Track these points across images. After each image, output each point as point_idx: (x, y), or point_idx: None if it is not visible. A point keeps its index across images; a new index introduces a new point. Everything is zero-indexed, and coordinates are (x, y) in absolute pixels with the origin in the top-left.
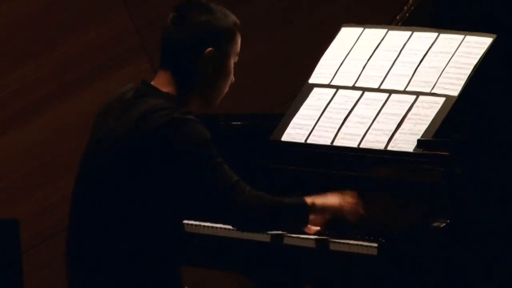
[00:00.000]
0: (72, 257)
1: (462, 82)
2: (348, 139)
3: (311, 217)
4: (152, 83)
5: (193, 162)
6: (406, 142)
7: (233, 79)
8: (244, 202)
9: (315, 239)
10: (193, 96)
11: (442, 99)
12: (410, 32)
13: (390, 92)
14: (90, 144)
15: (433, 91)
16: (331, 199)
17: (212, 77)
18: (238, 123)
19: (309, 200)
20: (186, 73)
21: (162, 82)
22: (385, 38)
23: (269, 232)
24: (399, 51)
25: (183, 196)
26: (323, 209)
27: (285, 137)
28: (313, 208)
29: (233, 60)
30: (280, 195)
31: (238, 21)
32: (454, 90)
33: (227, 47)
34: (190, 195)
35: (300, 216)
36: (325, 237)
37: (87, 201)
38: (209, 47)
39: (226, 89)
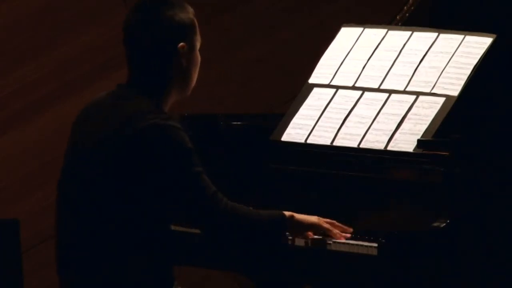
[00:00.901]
0: (62, 261)
1: (462, 82)
2: (348, 139)
3: (291, 231)
4: (127, 85)
5: (172, 170)
6: (406, 142)
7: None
8: (219, 214)
9: (315, 239)
10: (172, 93)
11: (442, 99)
12: (410, 32)
13: (390, 92)
14: (70, 149)
15: (433, 91)
16: (310, 217)
17: (187, 70)
18: (238, 123)
19: (287, 214)
20: (163, 73)
21: (136, 84)
22: (385, 38)
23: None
24: (399, 51)
25: (163, 199)
26: (301, 224)
27: (285, 137)
28: (291, 222)
29: (198, 47)
30: (275, 197)
31: (192, 9)
32: (454, 90)
33: (193, 37)
34: (169, 200)
35: (276, 230)
36: (325, 237)
37: (72, 205)
38: (179, 43)
39: (196, 76)
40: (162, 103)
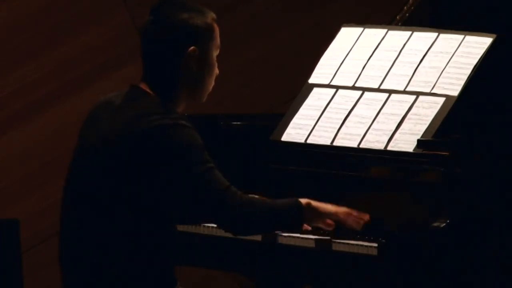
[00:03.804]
0: (65, 260)
1: (462, 82)
2: (348, 139)
3: (307, 219)
4: (140, 86)
5: (184, 167)
6: (406, 142)
7: (217, 71)
8: (236, 207)
9: (316, 239)
10: (182, 96)
11: (442, 99)
12: (410, 32)
13: (390, 92)
14: (79, 149)
15: (433, 91)
16: (327, 204)
17: (198, 75)
18: (238, 123)
19: (304, 201)
20: (171, 75)
21: (149, 86)
22: (385, 38)
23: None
24: (399, 51)
25: (174, 199)
26: (317, 212)
27: (285, 137)
28: (308, 209)
29: (215, 54)
30: (275, 197)
31: (214, 15)
32: (454, 90)
33: (208, 42)
34: (182, 199)
35: (294, 217)
36: (325, 237)
37: (78, 204)
38: (190, 46)
39: (212, 83)
40: (173, 105)
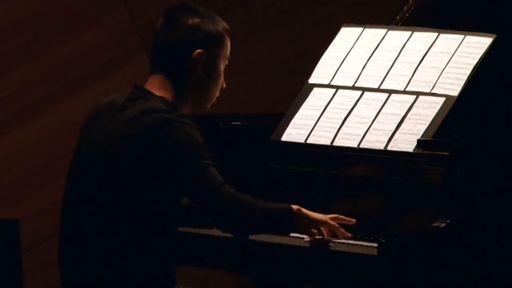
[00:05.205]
0: (65, 260)
1: (462, 82)
2: (348, 139)
3: (297, 225)
4: (144, 87)
5: (180, 163)
6: (406, 142)
7: (224, 85)
8: (228, 204)
9: (315, 239)
10: (185, 99)
11: (442, 99)
12: (410, 32)
13: (390, 92)
14: (81, 149)
15: (433, 91)
16: (317, 213)
17: (202, 80)
18: (238, 123)
19: (295, 207)
20: (177, 76)
21: (154, 86)
22: (385, 38)
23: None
24: (399, 51)
25: (172, 196)
26: (308, 218)
27: (285, 137)
28: (298, 215)
29: (223, 64)
30: (275, 196)
31: (227, 26)
32: (454, 90)
33: (216, 50)
34: (177, 195)
35: (284, 222)
36: (325, 237)
37: (79, 204)
38: (197, 49)
39: (217, 93)
40: (176, 107)
